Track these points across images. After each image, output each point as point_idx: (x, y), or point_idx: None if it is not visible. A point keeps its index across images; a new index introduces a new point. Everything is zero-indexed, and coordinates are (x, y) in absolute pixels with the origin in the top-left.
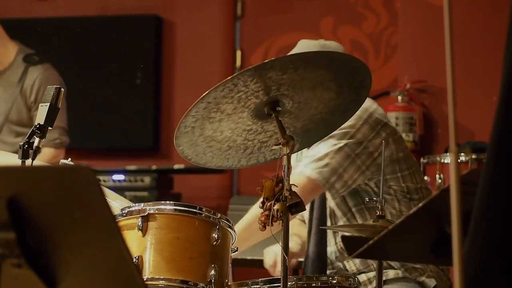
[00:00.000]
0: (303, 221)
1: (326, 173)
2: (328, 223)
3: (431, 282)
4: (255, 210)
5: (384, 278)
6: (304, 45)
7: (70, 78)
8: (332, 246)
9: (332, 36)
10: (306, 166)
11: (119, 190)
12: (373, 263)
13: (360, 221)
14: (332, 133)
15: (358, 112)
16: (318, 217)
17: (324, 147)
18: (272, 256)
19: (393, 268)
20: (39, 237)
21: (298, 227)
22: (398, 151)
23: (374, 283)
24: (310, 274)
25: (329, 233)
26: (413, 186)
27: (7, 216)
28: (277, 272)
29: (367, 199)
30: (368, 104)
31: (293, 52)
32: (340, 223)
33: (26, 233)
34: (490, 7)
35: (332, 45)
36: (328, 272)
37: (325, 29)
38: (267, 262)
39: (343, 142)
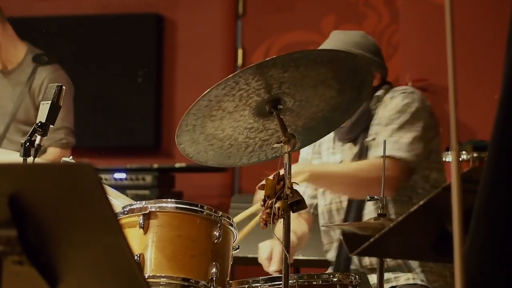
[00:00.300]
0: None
1: (418, 156)
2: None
3: None
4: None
5: (394, 284)
6: (335, 38)
7: (71, 77)
8: None
9: None
10: (397, 150)
11: (120, 188)
12: (390, 261)
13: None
14: (400, 119)
15: (412, 95)
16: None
17: (402, 132)
18: (267, 249)
19: (407, 271)
20: (41, 235)
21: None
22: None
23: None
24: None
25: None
26: (440, 180)
27: (9, 213)
28: (272, 266)
29: (368, 197)
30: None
31: (324, 44)
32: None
33: (27, 230)
34: (491, 6)
35: (368, 40)
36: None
37: (326, 28)
38: (262, 256)
39: (420, 127)
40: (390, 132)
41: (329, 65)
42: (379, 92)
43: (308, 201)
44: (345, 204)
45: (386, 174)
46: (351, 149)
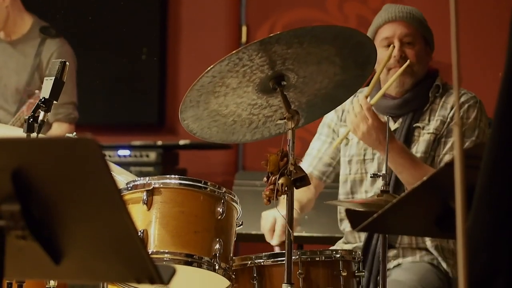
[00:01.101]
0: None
1: None
2: None
3: None
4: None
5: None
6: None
7: (75, 53)
8: None
9: (338, 11)
10: None
11: (124, 165)
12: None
13: None
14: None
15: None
16: None
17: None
18: (270, 220)
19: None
20: (44, 209)
21: (300, 193)
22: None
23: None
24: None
25: None
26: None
27: (12, 188)
28: (274, 239)
29: (371, 174)
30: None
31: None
32: None
33: (30, 205)
34: None
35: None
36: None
37: (331, 5)
38: (264, 226)
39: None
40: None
41: (332, 42)
42: (439, 81)
43: (322, 167)
44: (368, 176)
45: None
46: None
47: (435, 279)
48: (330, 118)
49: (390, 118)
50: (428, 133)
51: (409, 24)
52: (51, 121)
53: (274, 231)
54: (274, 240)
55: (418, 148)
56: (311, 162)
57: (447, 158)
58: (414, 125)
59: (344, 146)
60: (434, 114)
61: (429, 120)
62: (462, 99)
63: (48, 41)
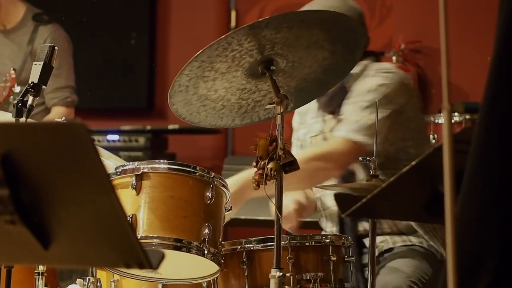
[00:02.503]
0: None
1: (381, 139)
2: None
3: None
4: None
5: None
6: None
7: None
8: None
9: None
10: (354, 131)
11: (113, 150)
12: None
13: None
14: (370, 97)
15: (392, 75)
16: None
17: (367, 112)
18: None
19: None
20: (33, 194)
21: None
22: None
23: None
24: None
25: None
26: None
27: (1, 172)
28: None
29: (360, 158)
30: (396, 69)
31: (306, 7)
32: None
33: (19, 189)
34: None
35: (347, 5)
36: None
37: None
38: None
39: (389, 110)
40: (356, 110)
41: (321, 26)
42: (357, 69)
43: None
44: None
45: (337, 152)
46: (330, 121)
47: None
48: (297, 121)
49: (332, 115)
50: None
51: None
52: (49, 106)
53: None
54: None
55: None
56: None
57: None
58: (337, 119)
59: (300, 148)
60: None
61: None
62: (379, 82)
63: (41, 27)
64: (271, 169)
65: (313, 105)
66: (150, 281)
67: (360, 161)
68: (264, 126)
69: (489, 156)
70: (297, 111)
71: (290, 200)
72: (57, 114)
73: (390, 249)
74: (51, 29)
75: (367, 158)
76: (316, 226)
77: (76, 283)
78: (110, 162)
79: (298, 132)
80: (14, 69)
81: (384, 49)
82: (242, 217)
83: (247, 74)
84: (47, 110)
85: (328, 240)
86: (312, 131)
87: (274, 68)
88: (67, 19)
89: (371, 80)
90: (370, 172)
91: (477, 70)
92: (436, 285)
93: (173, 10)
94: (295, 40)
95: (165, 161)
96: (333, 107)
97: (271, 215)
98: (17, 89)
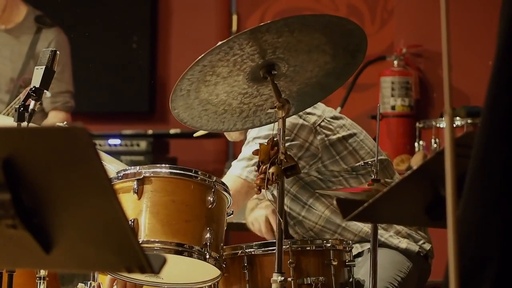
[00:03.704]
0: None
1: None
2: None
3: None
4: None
5: (360, 250)
6: None
7: None
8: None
9: (328, 0)
10: (240, 168)
11: (115, 154)
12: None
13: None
14: (256, 134)
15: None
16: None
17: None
18: (256, 225)
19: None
20: (35, 198)
21: None
22: (329, 135)
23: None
24: None
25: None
26: (356, 163)
27: (2, 176)
28: (270, 235)
29: (361, 163)
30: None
31: None
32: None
33: (21, 193)
34: None
35: None
36: None
37: None
38: (262, 228)
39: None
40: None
41: (323, 30)
42: None
43: None
44: None
45: (233, 193)
46: None
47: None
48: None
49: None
50: None
51: None
52: (48, 110)
53: (271, 229)
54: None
55: None
56: None
57: None
58: None
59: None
60: None
61: None
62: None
63: (44, 30)
64: (272, 174)
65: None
66: (151, 286)
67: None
68: None
69: (490, 160)
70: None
71: (261, 213)
72: (56, 118)
73: (360, 254)
74: (55, 33)
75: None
76: None
77: None
78: (112, 166)
79: None
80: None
81: (386, 53)
82: (244, 221)
83: (249, 79)
84: (45, 114)
85: (329, 245)
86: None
87: (275, 72)
88: (68, 22)
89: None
90: (372, 177)
91: (478, 74)
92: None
93: (174, 14)
94: (297, 44)
95: (167, 165)
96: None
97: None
98: None
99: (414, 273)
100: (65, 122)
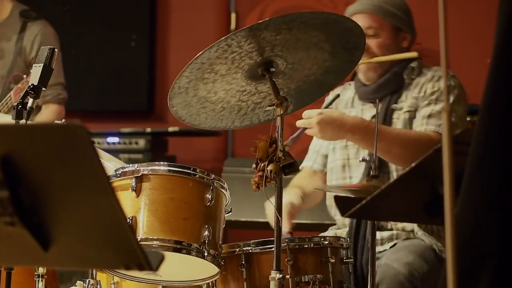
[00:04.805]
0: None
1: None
2: None
3: None
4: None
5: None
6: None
7: (64, 40)
8: None
9: None
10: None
11: (113, 152)
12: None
13: None
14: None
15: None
16: None
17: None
18: (270, 212)
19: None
20: (33, 196)
21: (305, 179)
22: None
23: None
24: None
25: None
26: None
27: (1, 174)
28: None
29: (361, 158)
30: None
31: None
32: None
33: (19, 191)
34: None
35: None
36: None
37: None
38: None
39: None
40: (432, 110)
41: (321, 28)
42: (414, 64)
43: (321, 160)
44: (352, 162)
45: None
46: (370, 110)
47: (424, 263)
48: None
49: (372, 104)
50: (404, 112)
51: (374, 15)
52: (41, 104)
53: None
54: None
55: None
56: (311, 157)
57: (419, 128)
58: (391, 107)
59: None
60: (409, 94)
61: (405, 101)
62: (441, 82)
63: (29, 24)
64: (271, 171)
65: (346, 99)
66: (150, 283)
67: (360, 161)
68: (264, 128)
69: (488, 157)
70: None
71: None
72: (50, 111)
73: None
74: (40, 25)
75: (367, 158)
76: (314, 228)
77: (76, 285)
78: (110, 164)
79: None
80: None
81: None
82: (242, 219)
83: (247, 76)
84: (38, 108)
85: (326, 242)
86: None
87: (274, 70)
88: (68, 22)
89: (441, 82)
90: (371, 173)
91: (476, 72)
92: (432, 279)
93: (173, 12)
94: (295, 42)
95: (165, 163)
96: (380, 96)
97: (266, 217)
98: None
99: (438, 270)
100: (63, 120)
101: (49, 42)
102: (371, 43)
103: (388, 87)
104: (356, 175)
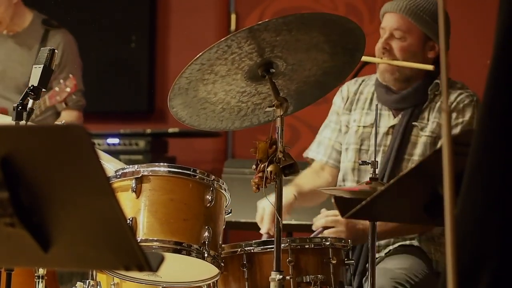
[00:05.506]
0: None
1: None
2: None
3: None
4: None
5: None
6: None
7: None
8: None
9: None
10: None
11: (113, 153)
12: None
13: None
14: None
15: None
16: None
17: None
18: (260, 210)
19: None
20: (33, 197)
21: (307, 177)
22: None
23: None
24: None
25: None
26: None
27: (1, 175)
28: (262, 228)
29: (360, 161)
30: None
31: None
32: None
33: (19, 192)
34: None
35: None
36: None
37: None
38: (257, 217)
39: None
40: None
41: (321, 29)
42: (439, 80)
43: (336, 155)
44: (363, 166)
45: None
46: (388, 119)
47: (423, 266)
48: (338, 105)
49: (391, 112)
50: (426, 135)
51: (405, 18)
52: (60, 110)
53: (262, 221)
54: (262, 229)
55: (416, 151)
56: (325, 152)
57: None
58: (412, 123)
59: (344, 134)
60: (432, 113)
61: (428, 120)
62: (458, 99)
63: (52, 32)
64: (271, 172)
65: (366, 94)
66: (150, 284)
67: (360, 164)
68: (264, 129)
69: (488, 158)
70: (342, 95)
71: (266, 204)
72: (69, 117)
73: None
74: (62, 34)
75: (367, 161)
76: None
77: (76, 286)
78: (110, 165)
79: (342, 117)
80: (72, 75)
81: None
82: (242, 220)
83: (247, 77)
84: (57, 114)
85: (328, 243)
86: (362, 121)
87: (273, 70)
88: (67, 22)
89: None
90: (370, 175)
91: (476, 73)
92: (429, 287)
93: (173, 13)
94: (295, 43)
95: (165, 164)
96: (401, 107)
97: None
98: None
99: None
100: (63, 121)
101: (71, 50)
102: (395, 45)
103: (411, 101)
104: (364, 180)
